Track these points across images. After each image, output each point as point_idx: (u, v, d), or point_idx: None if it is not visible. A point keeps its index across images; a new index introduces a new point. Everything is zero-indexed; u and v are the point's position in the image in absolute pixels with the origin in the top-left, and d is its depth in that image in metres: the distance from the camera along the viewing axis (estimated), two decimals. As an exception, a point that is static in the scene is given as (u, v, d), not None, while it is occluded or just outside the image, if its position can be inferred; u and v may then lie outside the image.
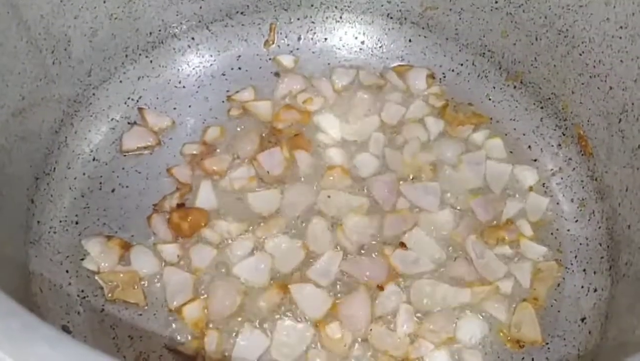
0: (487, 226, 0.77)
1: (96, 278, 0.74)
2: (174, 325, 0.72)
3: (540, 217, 0.79)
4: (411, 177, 0.81)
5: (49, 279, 0.73)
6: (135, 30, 0.84)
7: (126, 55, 0.86)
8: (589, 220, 0.78)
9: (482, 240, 0.76)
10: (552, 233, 0.78)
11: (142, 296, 0.73)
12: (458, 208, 0.79)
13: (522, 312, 0.73)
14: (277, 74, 0.90)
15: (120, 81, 0.86)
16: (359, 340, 0.70)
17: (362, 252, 0.75)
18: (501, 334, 0.72)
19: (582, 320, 0.73)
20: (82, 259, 0.75)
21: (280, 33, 0.93)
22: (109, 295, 0.73)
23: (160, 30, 0.87)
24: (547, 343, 0.72)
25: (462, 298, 0.73)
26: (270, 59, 0.91)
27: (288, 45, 0.93)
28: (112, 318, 0.72)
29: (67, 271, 0.75)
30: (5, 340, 0.37)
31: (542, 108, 0.85)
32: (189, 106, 0.87)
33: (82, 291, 0.74)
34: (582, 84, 0.78)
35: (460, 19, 0.88)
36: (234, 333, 0.71)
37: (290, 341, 0.70)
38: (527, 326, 0.72)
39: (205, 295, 0.73)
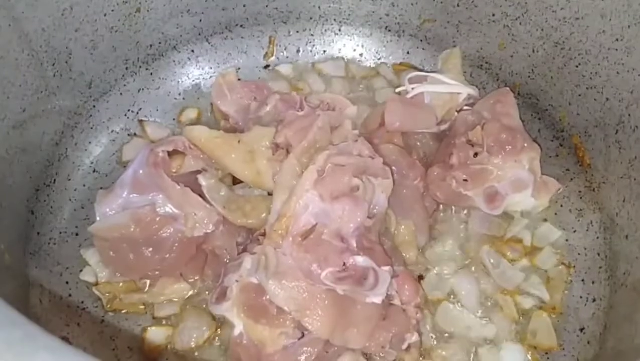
0: (493, 237, 0.78)
1: (93, 290, 0.74)
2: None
3: (540, 227, 0.79)
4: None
5: (48, 290, 0.73)
6: (135, 42, 0.85)
7: (126, 68, 0.86)
8: (587, 230, 0.78)
9: (495, 250, 0.77)
10: (550, 244, 0.79)
11: (141, 304, 0.73)
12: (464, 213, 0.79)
13: (538, 320, 0.73)
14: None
15: (121, 93, 0.87)
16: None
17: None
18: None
19: (581, 329, 0.73)
20: (82, 270, 0.75)
21: (279, 45, 0.93)
22: (108, 306, 0.73)
23: (160, 43, 0.88)
24: (545, 353, 0.72)
25: (486, 333, 0.72)
26: (269, 71, 0.92)
27: (287, 57, 0.93)
28: (112, 330, 0.72)
29: (66, 283, 0.75)
30: (7, 349, 0.37)
31: (539, 119, 0.86)
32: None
33: (82, 302, 0.74)
34: (579, 95, 0.79)
35: (457, 31, 0.89)
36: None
37: None
38: (543, 333, 0.72)
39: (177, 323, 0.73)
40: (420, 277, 0.74)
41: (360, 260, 0.64)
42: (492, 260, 0.76)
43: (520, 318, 0.73)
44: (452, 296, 0.74)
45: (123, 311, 0.73)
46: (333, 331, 0.63)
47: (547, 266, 0.77)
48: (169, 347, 0.71)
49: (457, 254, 0.77)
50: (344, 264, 0.64)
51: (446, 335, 0.72)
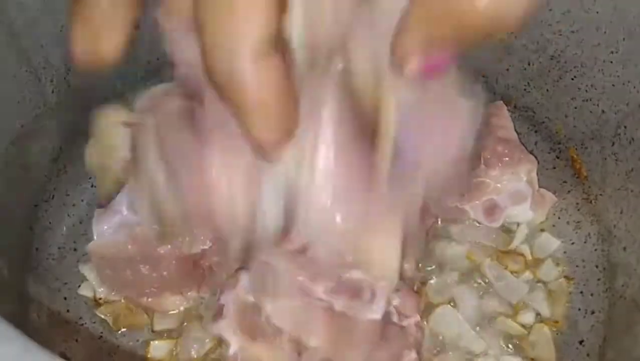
0: (497, 249, 0.78)
1: (96, 312, 0.73)
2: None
3: (538, 238, 0.79)
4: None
5: (47, 306, 0.73)
6: (133, 58, 0.84)
7: (124, 84, 0.86)
8: (585, 242, 0.78)
9: (498, 263, 0.77)
10: (551, 256, 0.78)
11: (145, 315, 0.73)
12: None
13: (538, 332, 0.73)
14: None
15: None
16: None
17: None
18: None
19: (580, 342, 0.73)
20: (80, 285, 0.75)
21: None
22: (114, 326, 0.73)
23: (158, 59, 0.88)
24: (544, 367, 0.72)
25: (474, 347, 0.71)
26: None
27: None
28: (110, 346, 0.72)
29: (65, 298, 0.75)
30: (3, 366, 0.37)
31: (536, 132, 0.86)
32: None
33: (80, 318, 0.73)
34: (575, 107, 0.79)
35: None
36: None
37: None
38: (542, 346, 0.72)
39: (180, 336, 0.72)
40: (424, 283, 0.74)
41: (356, 273, 0.64)
42: (495, 274, 0.75)
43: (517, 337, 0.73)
44: (452, 303, 0.74)
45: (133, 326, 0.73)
46: (330, 350, 0.62)
47: (549, 278, 0.77)
48: (172, 361, 0.71)
49: (461, 264, 0.76)
50: (340, 278, 0.64)
51: (448, 347, 0.71)
